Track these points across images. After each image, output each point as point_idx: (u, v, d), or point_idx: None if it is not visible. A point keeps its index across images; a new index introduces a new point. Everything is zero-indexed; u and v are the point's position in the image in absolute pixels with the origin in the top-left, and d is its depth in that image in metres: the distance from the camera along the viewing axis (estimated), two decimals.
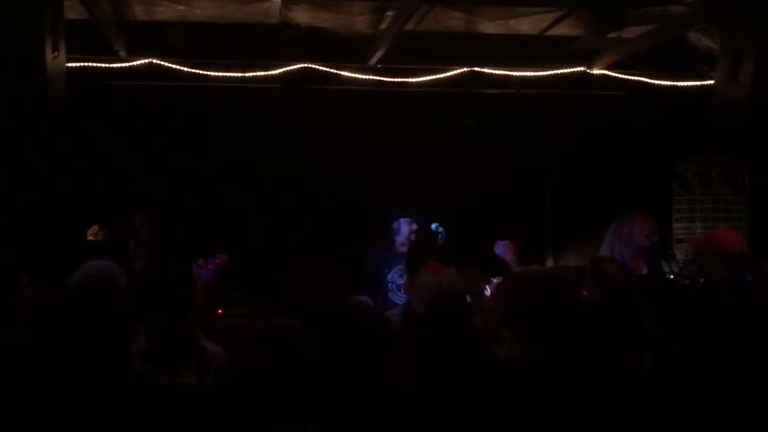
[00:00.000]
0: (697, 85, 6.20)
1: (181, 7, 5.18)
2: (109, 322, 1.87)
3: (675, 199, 7.34)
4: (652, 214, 6.70)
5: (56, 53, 4.11)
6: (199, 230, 5.51)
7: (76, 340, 1.83)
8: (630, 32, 5.76)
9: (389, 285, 4.85)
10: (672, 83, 6.26)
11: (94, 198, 5.73)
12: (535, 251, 6.80)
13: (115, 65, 5.61)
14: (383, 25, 5.54)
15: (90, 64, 5.49)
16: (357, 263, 5.74)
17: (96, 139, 5.79)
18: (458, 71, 6.06)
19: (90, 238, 5.67)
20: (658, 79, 6.26)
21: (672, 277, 4.93)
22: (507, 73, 6.10)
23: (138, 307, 2.12)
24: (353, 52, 5.92)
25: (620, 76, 6.25)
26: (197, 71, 5.73)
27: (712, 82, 5.51)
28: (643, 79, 6.25)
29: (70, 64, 4.44)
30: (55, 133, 4.43)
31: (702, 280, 4.28)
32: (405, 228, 4.94)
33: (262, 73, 5.81)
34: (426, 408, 2.06)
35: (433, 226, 4.90)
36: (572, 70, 6.17)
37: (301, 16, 5.45)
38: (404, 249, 4.93)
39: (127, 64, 5.63)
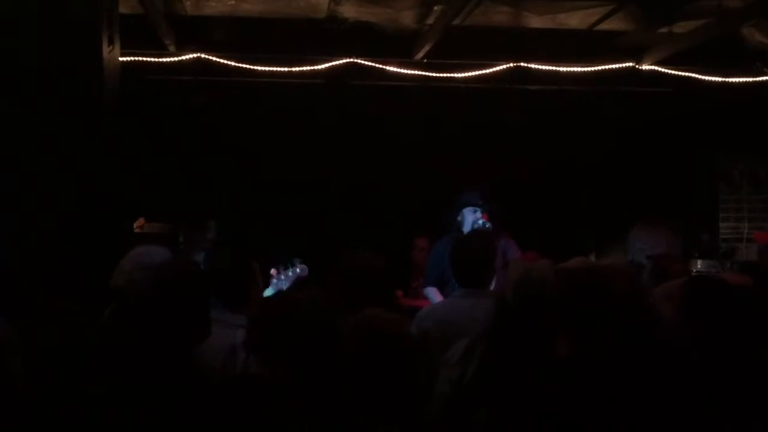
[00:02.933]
0: (748, 82, 6.09)
1: (231, 2, 5.22)
2: (193, 307, 1.89)
3: (721, 198, 7.23)
4: (698, 213, 6.65)
5: (111, 47, 4.16)
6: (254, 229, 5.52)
7: (159, 325, 1.85)
8: (681, 27, 5.66)
9: None
10: (722, 79, 6.15)
11: (141, 193, 5.81)
12: (576, 249, 6.73)
13: (164, 59, 5.67)
14: (430, 20, 5.52)
15: (140, 58, 5.55)
16: (403, 258, 5.76)
17: (144, 131, 5.87)
18: (504, 66, 6.02)
19: (136, 230, 5.75)
20: (708, 75, 6.15)
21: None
22: (554, 68, 6.04)
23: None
24: (399, 47, 5.91)
25: (670, 72, 6.16)
26: (244, 66, 5.76)
27: (764, 78, 5.41)
28: (693, 75, 6.15)
29: (122, 59, 4.49)
30: (109, 127, 4.50)
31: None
32: (470, 217, 4.79)
33: (308, 68, 5.83)
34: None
35: (481, 222, 4.85)
36: (620, 65, 6.09)
37: (349, 10, 5.45)
38: None
39: (176, 59, 5.68)
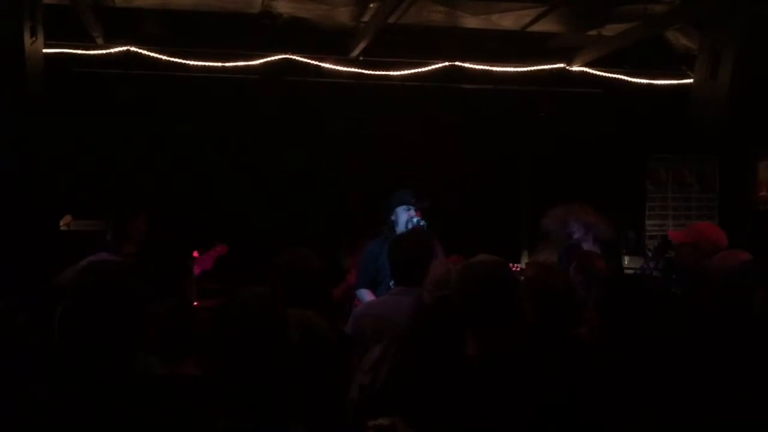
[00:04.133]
0: (673, 84, 6.29)
1: None
2: (117, 314, 1.82)
3: (648, 197, 7.46)
4: (626, 211, 6.85)
5: (34, 38, 4.02)
6: (183, 220, 5.42)
7: (82, 334, 1.78)
8: (610, 30, 5.81)
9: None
10: (649, 81, 6.34)
11: (67, 187, 5.64)
12: (510, 247, 6.86)
13: (92, 52, 5.50)
14: (366, 18, 5.51)
15: (67, 50, 5.37)
16: (338, 255, 5.74)
17: (70, 125, 5.69)
18: (439, 65, 6.06)
19: (63, 227, 5.58)
20: (635, 77, 6.33)
21: (639, 272, 5.00)
22: (488, 68, 6.12)
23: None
24: (335, 44, 5.88)
25: (598, 73, 6.32)
26: (176, 60, 5.63)
27: (688, 81, 5.60)
28: (620, 76, 6.32)
29: (46, 50, 4.34)
30: (31, 119, 4.34)
31: (674, 276, 4.34)
32: (403, 216, 4.72)
33: (242, 64, 5.74)
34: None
35: (415, 219, 4.85)
36: (552, 66, 6.21)
37: (283, 6, 5.40)
38: None
39: (104, 51, 5.51)
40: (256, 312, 1.74)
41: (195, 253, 4.24)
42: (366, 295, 4.63)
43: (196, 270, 4.33)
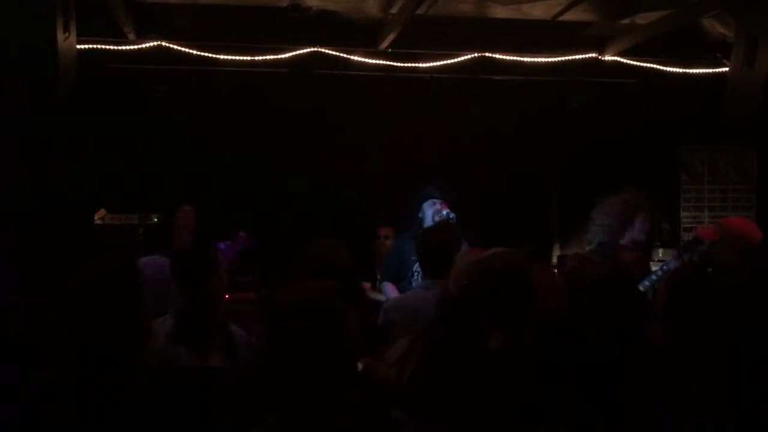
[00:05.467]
0: (709, 73, 6.16)
1: None
2: (125, 307, 1.84)
3: (683, 188, 7.34)
4: (660, 203, 6.73)
5: (67, 34, 4.06)
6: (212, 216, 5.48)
7: (92, 326, 1.80)
8: (643, 18, 5.71)
9: (414, 274, 4.58)
10: (684, 71, 6.21)
11: (102, 183, 5.72)
12: (541, 239, 6.80)
13: (124, 47, 5.55)
14: (394, 9, 5.49)
15: (99, 46, 5.43)
16: (366, 249, 5.75)
17: (103, 121, 5.77)
18: (469, 56, 6.01)
19: (97, 221, 5.65)
20: (669, 67, 6.21)
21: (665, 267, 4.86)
22: (518, 59, 6.05)
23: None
24: (363, 37, 5.87)
25: (632, 63, 6.20)
26: (206, 54, 5.67)
27: (724, 69, 5.47)
28: (654, 66, 6.21)
29: (80, 46, 4.39)
30: (64, 115, 4.40)
31: (710, 269, 4.24)
32: (429, 211, 4.73)
33: (271, 57, 5.76)
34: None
35: (444, 212, 4.83)
36: (583, 56, 6.12)
37: None
38: None
39: (136, 47, 5.57)
40: (314, 308, 1.72)
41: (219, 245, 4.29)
42: (389, 289, 4.66)
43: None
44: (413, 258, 4.40)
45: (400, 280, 4.61)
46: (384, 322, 3.19)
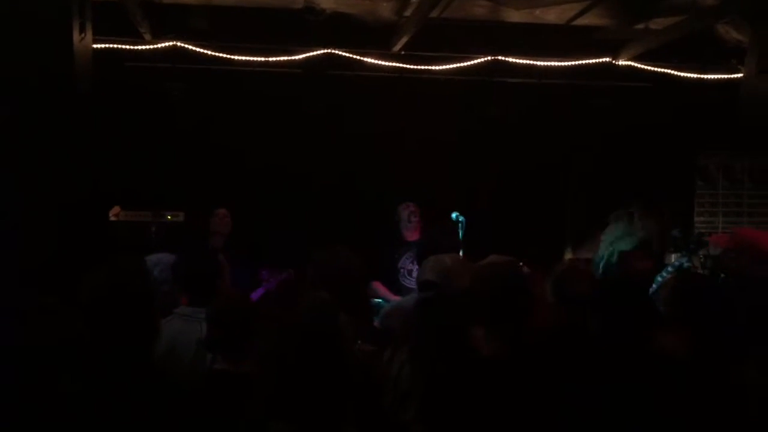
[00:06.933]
0: (723, 78, 6.12)
1: None
2: (142, 309, 1.88)
3: (697, 192, 7.29)
4: (674, 207, 6.70)
5: (83, 34, 4.12)
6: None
7: (115, 329, 1.84)
8: (657, 23, 5.69)
9: (400, 270, 5.15)
10: (698, 76, 6.18)
11: (117, 181, 5.79)
12: (554, 243, 6.79)
13: (140, 47, 5.62)
14: (408, 12, 5.51)
15: (115, 45, 5.50)
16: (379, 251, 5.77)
17: (119, 120, 5.83)
18: (481, 60, 6.02)
19: (112, 218, 5.72)
20: (684, 72, 6.18)
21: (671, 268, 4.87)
22: (531, 62, 6.05)
23: None
24: (377, 39, 5.89)
25: (646, 67, 6.18)
26: (221, 55, 5.72)
27: (739, 75, 5.43)
28: (669, 71, 6.18)
29: (97, 45, 4.46)
30: (81, 114, 4.46)
31: (722, 275, 4.22)
32: (403, 213, 5.27)
33: (285, 58, 5.80)
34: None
35: (454, 215, 4.90)
36: (597, 60, 6.10)
37: (326, 1, 5.44)
38: (408, 233, 5.06)
39: (152, 47, 5.63)
40: (322, 319, 1.75)
41: (263, 274, 4.40)
42: (377, 287, 5.00)
43: (260, 290, 4.50)
44: (396, 255, 5.21)
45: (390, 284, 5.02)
46: (382, 327, 3.21)
